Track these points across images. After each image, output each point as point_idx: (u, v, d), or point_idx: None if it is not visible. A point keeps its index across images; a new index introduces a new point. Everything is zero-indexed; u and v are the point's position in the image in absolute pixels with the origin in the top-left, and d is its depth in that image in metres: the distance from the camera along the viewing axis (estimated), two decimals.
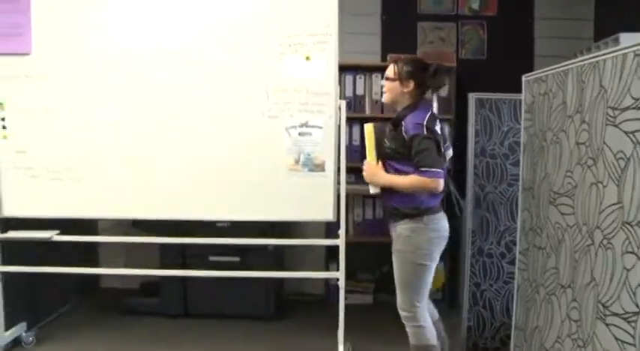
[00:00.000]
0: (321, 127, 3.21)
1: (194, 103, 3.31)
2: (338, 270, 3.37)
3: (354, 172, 3.96)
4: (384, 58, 4.63)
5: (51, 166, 3.41)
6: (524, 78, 2.91)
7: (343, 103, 3.24)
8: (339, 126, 3.23)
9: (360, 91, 4.38)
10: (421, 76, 2.76)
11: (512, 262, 3.39)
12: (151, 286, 4.26)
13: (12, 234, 3.48)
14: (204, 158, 3.32)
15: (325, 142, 3.20)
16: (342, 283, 3.29)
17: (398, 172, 2.72)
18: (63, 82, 3.39)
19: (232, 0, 3.27)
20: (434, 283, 4.47)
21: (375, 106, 4.39)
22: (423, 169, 2.59)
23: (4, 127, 3.44)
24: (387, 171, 2.78)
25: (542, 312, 2.55)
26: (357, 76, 4.36)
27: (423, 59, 2.89)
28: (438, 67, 2.78)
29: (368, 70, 4.38)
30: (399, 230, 2.77)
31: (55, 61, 3.39)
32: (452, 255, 4.32)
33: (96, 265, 4.61)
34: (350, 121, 4.09)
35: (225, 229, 3.68)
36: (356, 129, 4.31)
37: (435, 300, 4.37)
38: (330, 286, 4.43)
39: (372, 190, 2.86)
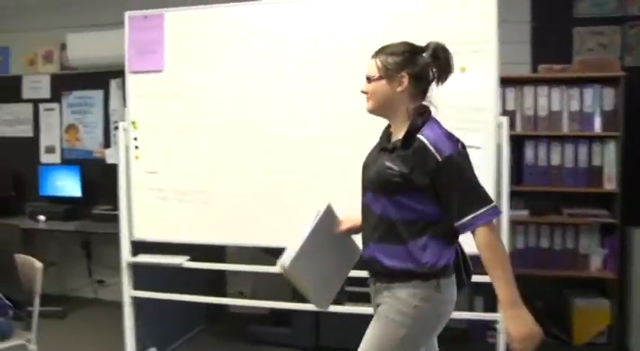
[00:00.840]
0: (478, 148, 2.79)
1: (336, 122, 3.00)
2: (486, 308, 2.91)
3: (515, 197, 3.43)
4: (534, 69, 4.14)
5: (181, 188, 3.26)
6: None
7: (505, 120, 2.81)
8: (501, 146, 2.80)
9: (509, 106, 3.90)
10: (416, 63, 1.93)
11: None
12: (281, 314, 4.00)
13: (143, 258, 3.36)
14: (343, 182, 2.98)
15: (484, 165, 2.77)
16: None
17: (411, 211, 1.89)
18: (194, 100, 3.25)
19: (377, 6, 2.96)
20: (595, 325, 3.95)
21: (527, 123, 3.91)
22: (485, 208, 1.80)
23: (136, 147, 3.33)
24: (389, 214, 1.92)
25: None
26: (507, 90, 3.89)
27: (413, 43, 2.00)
28: (438, 45, 1.94)
29: (517, 82, 3.91)
30: (401, 294, 1.92)
31: (186, 79, 3.26)
32: (620, 289, 3.77)
33: (224, 289, 4.45)
34: None
35: (362, 258, 3.35)
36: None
37: (597, 344, 3.86)
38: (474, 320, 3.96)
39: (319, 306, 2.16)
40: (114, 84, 4.94)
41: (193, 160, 3.23)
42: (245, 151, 3.14)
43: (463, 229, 1.83)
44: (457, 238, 1.95)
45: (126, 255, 3.33)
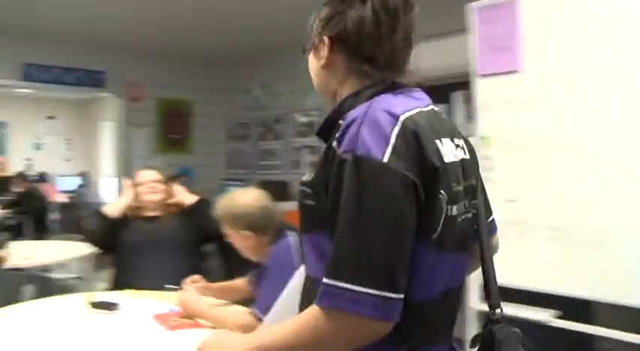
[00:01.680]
0: None
1: None
2: None
3: None
4: None
5: (548, 223, 2.49)
6: None
7: None
8: None
9: None
10: (341, 17, 1.15)
11: None
12: None
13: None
14: None
15: None
16: None
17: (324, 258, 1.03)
18: (562, 107, 2.47)
19: None
20: None
21: None
22: (330, 280, 0.96)
23: (490, 169, 2.69)
24: (310, 269, 1.13)
25: None
26: None
27: None
28: None
29: None
30: None
31: (548, 80, 2.51)
32: None
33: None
34: None
35: None
36: None
37: None
38: None
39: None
40: (457, 97, 4.45)
41: (565, 185, 2.44)
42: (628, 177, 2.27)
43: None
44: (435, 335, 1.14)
45: (474, 302, 2.69)
